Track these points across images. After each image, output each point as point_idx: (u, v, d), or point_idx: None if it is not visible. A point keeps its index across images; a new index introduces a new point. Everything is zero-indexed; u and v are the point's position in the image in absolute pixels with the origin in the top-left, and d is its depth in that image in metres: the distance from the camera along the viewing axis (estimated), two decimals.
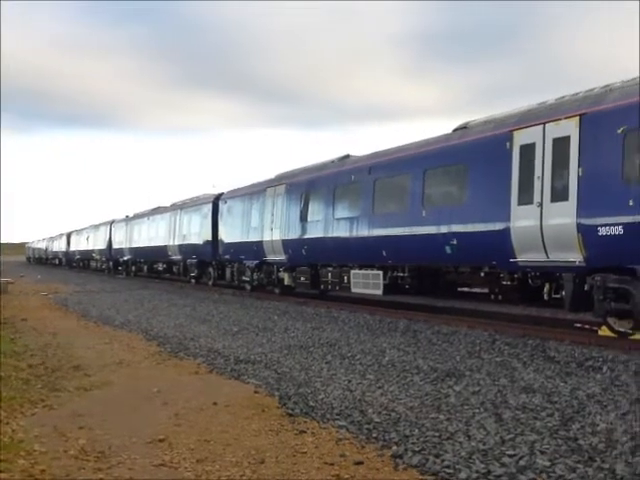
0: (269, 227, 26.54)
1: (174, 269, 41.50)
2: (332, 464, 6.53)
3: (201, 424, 8.09)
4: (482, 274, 16.71)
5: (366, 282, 20.71)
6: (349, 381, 10.29)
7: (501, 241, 14.99)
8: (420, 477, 6.15)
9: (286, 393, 9.57)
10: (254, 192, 28.65)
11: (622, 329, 13.43)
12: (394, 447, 6.96)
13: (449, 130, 18.38)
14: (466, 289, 20.17)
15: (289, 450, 7.01)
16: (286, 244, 25.24)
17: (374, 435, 7.42)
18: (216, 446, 7.20)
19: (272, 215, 26.42)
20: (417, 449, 6.83)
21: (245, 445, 7.23)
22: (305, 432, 7.67)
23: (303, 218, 24.19)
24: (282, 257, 25.74)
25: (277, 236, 25.87)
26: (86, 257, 69.58)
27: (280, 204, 25.93)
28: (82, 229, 72.28)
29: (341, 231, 21.64)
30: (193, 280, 37.25)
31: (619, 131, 12.61)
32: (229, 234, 30.98)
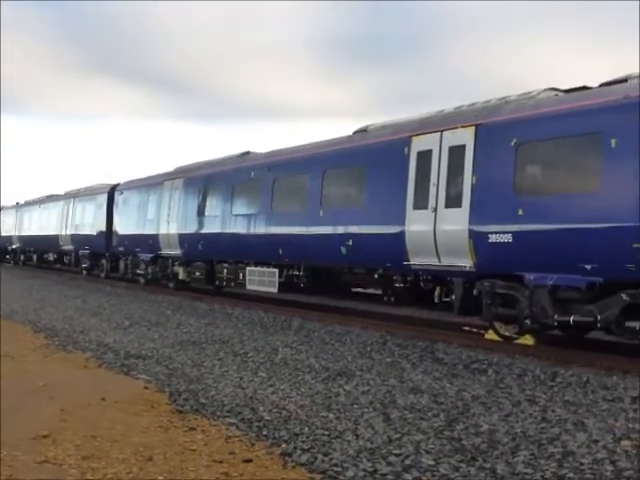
0: (166, 220, 26.19)
1: (65, 260, 40.39)
2: (221, 462, 6.51)
3: (88, 420, 7.92)
4: (376, 276, 16.97)
5: (261, 279, 20.72)
6: (241, 378, 10.29)
7: (396, 244, 15.26)
8: (308, 475, 6.21)
9: (177, 389, 9.49)
10: (151, 184, 28.22)
11: (508, 333, 13.92)
12: (284, 445, 7.00)
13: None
14: (360, 290, 20.49)
15: (178, 447, 6.95)
16: (182, 238, 24.97)
17: (264, 433, 7.44)
18: (103, 442, 7.06)
19: (169, 209, 26.09)
20: (306, 447, 6.89)
21: (133, 442, 7.12)
22: (195, 429, 7.62)
23: (201, 213, 23.99)
24: (178, 251, 25.46)
25: (173, 230, 25.56)
26: None
27: (178, 198, 25.62)
28: None
29: (239, 227, 21.57)
30: (85, 272, 36.35)
31: (512, 143, 13.05)
32: (124, 226, 30.40)
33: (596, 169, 11.76)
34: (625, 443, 6.93)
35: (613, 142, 11.41)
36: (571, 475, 6.03)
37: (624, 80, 12.18)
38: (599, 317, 11.65)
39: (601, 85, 12.69)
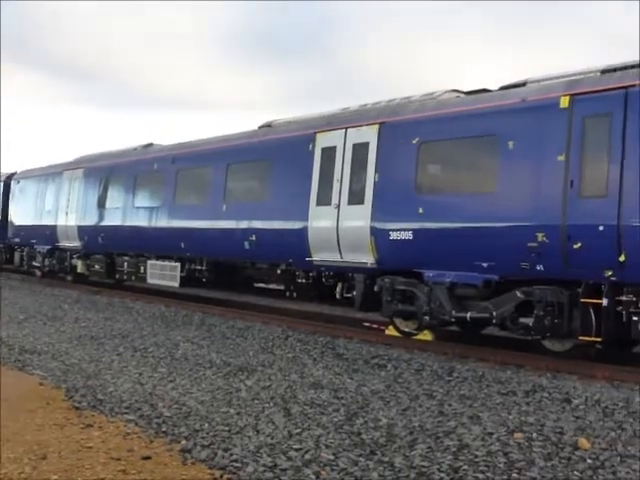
0: (64, 212, 25.49)
1: None
2: (119, 459, 6.41)
3: None
4: (279, 271, 17.00)
5: (163, 273, 20.45)
6: (140, 374, 10.14)
7: (298, 240, 15.32)
8: (208, 471, 6.18)
9: (74, 385, 9.28)
10: (50, 174, 27.40)
11: (407, 329, 14.19)
12: (183, 441, 6.94)
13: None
14: (263, 285, 20.47)
15: (74, 445, 6.80)
16: (82, 230, 24.36)
17: (163, 429, 7.36)
18: None
19: (68, 200, 25.39)
20: (206, 443, 6.86)
21: (26, 440, 6.92)
22: (92, 426, 7.47)
23: (101, 205, 23.46)
24: (77, 243, 24.81)
25: (72, 221, 24.90)
26: None
27: (77, 189, 24.96)
28: None
29: (140, 220, 21.20)
30: None
31: (414, 142, 13.30)
32: (21, 216, 29.41)
33: (494, 170, 12.11)
34: (518, 435, 7.18)
35: (510, 144, 11.78)
36: (466, 467, 6.21)
37: (522, 84, 12.58)
38: (495, 313, 12.01)
39: (501, 88, 13.07)
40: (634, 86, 10.48)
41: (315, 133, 15.44)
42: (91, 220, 23.85)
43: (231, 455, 6.51)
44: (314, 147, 15.35)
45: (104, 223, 23.15)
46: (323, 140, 15.20)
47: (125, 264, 22.34)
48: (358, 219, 14.07)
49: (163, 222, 20.18)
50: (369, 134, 14.20)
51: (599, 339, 10.91)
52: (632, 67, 10.97)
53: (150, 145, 23.33)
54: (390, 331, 14.56)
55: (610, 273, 10.52)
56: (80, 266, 25.25)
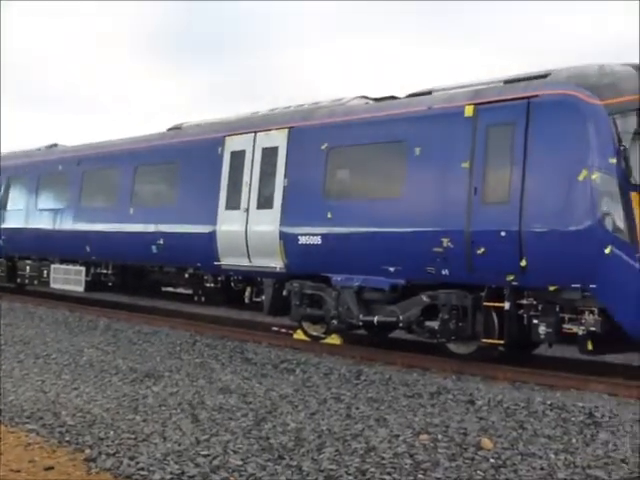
0: None
1: None
2: (19, 471, 6.23)
3: None
4: (187, 275, 16.82)
5: (67, 277, 19.95)
6: (43, 382, 9.87)
7: (207, 244, 15.21)
8: None
9: None
10: None
11: (315, 333, 14.27)
12: (88, 450, 6.80)
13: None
14: (170, 289, 20.22)
15: None
16: None
17: (67, 438, 7.19)
18: None
19: None
20: (112, 452, 6.73)
21: None
22: None
23: (2, 206, 22.71)
24: None
25: None
26: None
27: None
28: None
29: (44, 223, 20.62)
30: None
31: (323, 147, 13.40)
32: None
33: (401, 176, 12.31)
34: (423, 437, 7.32)
35: (417, 150, 12.00)
36: (373, 470, 6.29)
37: (429, 92, 12.84)
38: (401, 317, 12.21)
39: (408, 95, 13.31)
40: (536, 97, 10.84)
41: (224, 137, 15.36)
42: None
43: (137, 463, 6.41)
44: (223, 151, 15.27)
45: (5, 225, 22.39)
46: (232, 144, 15.14)
47: (27, 268, 21.67)
48: (267, 223, 14.07)
49: (68, 225, 19.69)
50: (278, 138, 14.22)
51: (501, 341, 11.23)
52: (534, 78, 11.35)
53: (54, 146, 22.75)
54: (298, 335, 14.60)
55: (512, 278, 10.84)
56: None
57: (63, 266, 20.17)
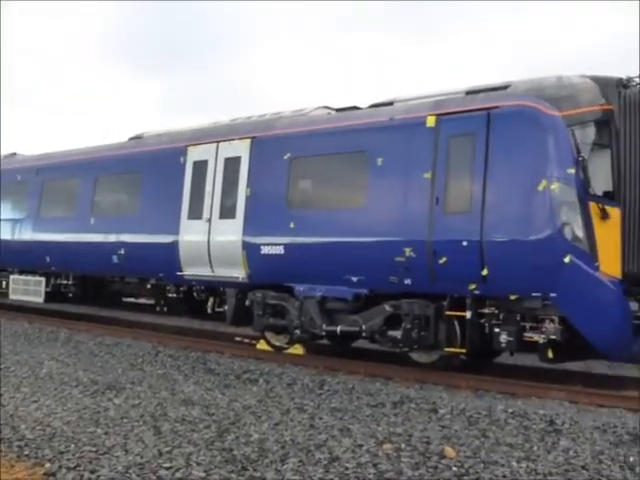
0: None
1: None
2: None
3: None
4: (149, 285, 16.69)
5: (27, 288, 19.69)
6: (0, 395, 9.70)
7: (169, 254, 15.11)
8: None
9: None
10: None
11: (278, 343, 14.25)
12: (47, 464, 6.69)
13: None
14: (132, 300, 20.05)
15: None
16: None
17: (26, 453, 7.07)
18: None
19: None
20: (72, 465, 6.63)
21: None
22: None
23: None
24: None
25: None
26: None
27: None
28: None
29: (2, 233, 20.31)
30: None
31: (285, 157, 13.41)
32: None
33: (363, 186, 12.37)
34: (387, 446, 7.33)
35: (379, 161, 12.07)
36: None
37: (390, 103, 12.93)
38: (364, 327, 12.24)
39: (370, 106, 13.38)
40: (496, 108, 10.97)
41: (187, 146, 15.30)
42: None
43: (98, 477, 6.32)
44: (185, 160, 15.20)
45: None
46: (194, 153, 15.08)
47: None
48: (230, 233, 14.03)
49: (27, 235, 19.43)
50: (241, 148, 14.20)
51: (463, 350, 11.32)
52: (495, 89, 11.49)
53: (13, 155, 22.46)
54: (261, 345, 14.57)
55: (473, 287, 10.94)
56: None
57: (22, 277, 19.90)
